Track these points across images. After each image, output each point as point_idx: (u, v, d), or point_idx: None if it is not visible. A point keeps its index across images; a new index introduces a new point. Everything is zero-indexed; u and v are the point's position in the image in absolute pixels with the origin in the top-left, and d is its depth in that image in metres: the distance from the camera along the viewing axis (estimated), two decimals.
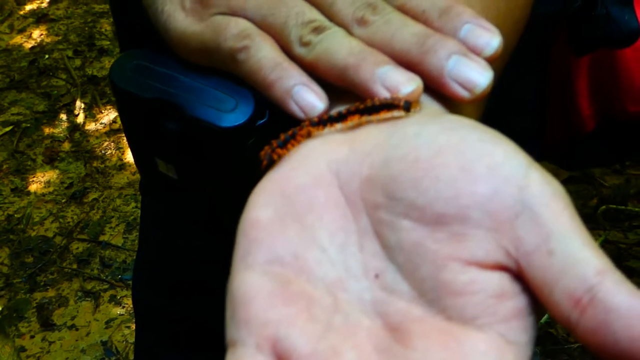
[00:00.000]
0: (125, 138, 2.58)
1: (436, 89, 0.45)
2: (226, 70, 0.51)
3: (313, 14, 0.48)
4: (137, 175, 2.47)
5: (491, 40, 0.45)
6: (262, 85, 0.48)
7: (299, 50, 0.47)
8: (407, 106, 0.42)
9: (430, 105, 0.45)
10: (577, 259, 0.34)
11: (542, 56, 0.84)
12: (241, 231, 0.40)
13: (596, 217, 2.24)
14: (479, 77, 0.44)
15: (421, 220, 0.37)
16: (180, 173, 0.60)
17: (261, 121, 0.58)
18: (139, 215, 2.33)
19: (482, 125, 0.40)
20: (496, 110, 0.83)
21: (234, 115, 0.58)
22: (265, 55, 0.47)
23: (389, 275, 0.38)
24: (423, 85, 0.44)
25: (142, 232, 1.03)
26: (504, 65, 0.56)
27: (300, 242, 0.39)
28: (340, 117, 0.43)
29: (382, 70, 0.44)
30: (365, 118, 0.42)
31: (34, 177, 2.52)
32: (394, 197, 0.38)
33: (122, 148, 2.57)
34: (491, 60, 0.45)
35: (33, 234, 2.33)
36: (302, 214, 0.40)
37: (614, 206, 2.26)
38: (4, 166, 2.56)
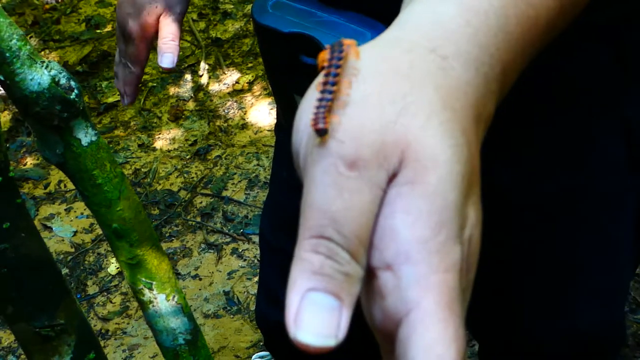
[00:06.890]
0: (247, 99, 2.64)
1: None
2: None
3: None
4: (259, 135, 2.52)
5: None
6: None
7: None
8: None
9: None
10: None
11: None
12: None
13: None
14: None
15: None
16: None
17: None
18: (261, 173, 2.38)
19: None
20: None
21: None
22: None
23: None
24: None
25: (273, 171, 1.06)
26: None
27: None
28: None
29: None
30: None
31: (159, 134, 2.60)
32: None
33: (244, 108, 2.63)
34: None
35: (159, 187, 2.42)
36: None
37: None
38: (132, 123, 2.66)
